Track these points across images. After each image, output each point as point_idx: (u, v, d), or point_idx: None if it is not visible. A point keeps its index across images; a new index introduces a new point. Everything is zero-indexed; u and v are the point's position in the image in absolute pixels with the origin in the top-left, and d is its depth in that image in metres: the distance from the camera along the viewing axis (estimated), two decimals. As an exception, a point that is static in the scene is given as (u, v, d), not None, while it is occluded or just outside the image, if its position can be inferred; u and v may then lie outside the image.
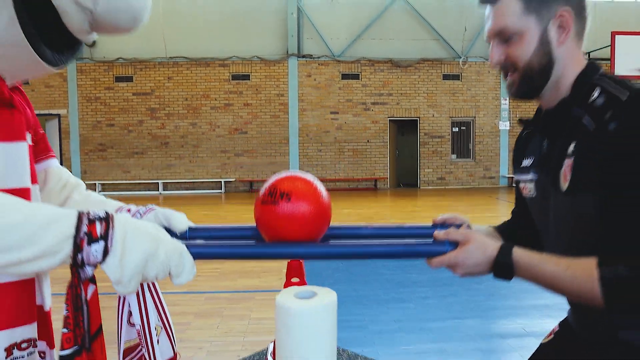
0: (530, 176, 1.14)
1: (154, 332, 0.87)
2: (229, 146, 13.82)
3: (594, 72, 1.03)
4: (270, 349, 1.15)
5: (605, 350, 1.01)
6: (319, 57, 13.96)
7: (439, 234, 0.98)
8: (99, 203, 1.11)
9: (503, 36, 1.04)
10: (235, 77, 13.77)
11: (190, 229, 1.03)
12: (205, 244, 0.95)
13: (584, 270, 0.91)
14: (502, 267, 0.95)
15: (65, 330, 0.78)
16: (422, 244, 0.98)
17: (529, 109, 14.30)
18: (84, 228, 0.76)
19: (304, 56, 13.92)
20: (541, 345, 1.22)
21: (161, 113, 13.60)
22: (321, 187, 0.98)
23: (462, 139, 14.76)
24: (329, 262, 5.19)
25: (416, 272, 4.97)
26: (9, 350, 0.81)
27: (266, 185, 0.97)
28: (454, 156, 14.69)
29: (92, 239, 0.76)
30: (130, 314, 0.88)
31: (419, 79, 14.20)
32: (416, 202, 11.16)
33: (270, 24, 13.89)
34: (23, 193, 0.86)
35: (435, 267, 0.95)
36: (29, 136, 0.90)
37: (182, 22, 13.49)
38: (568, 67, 1.04)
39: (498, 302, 3.98)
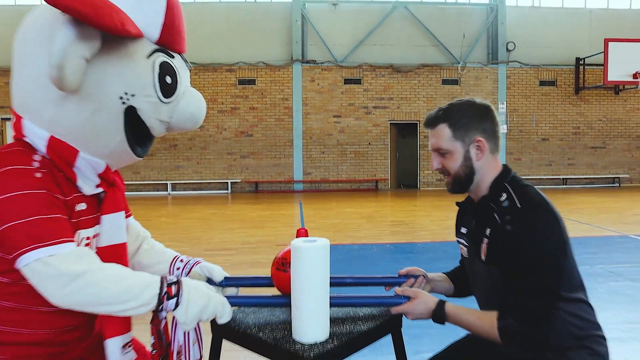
0: (465, 242, 1.56)
1: (191, 344, 1.29)
2: (235, 148, 14.16)
3: (506, 177, 1.45)
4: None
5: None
6: (322, 63, 14.24)
7: (398, 290, 1.45)
8: (160, 253, 1.57)
9: (439, 152, 1.47)
10: (241, 82, 14.09)
11: (225, 278, 1.51)
12: (238, 295, 1.43)
13: (489, 321, 1.36)
14: (438, 317, 1.41)
15: (154, 351, 1.28)
16: (387, 297, 1.45)
17: (524, 113, 14.67)
18: (165, 289, 1.20)
19: (307, 62, 14.20)
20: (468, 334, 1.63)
21: (170, 116, 14.03)
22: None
23: (461, 142, 15.03)
24: (333, 255, 5.71)
25: (409, 263, 5.41)
26: (123, 347, 1.29)
27: (279, 254, 1.44)
28: (452, 158, 14.96)
29: (169, 297, 1.20)
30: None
31: (419, 84, 14.45)
32: (415, 202, 11.54)
33: (275, 31, 14.20)
34: (123, 246, 1.33)
35: (394, 313, 1.43)
36: None
37: (191, 30, 13.66)
38: (486, 174, 1.45)
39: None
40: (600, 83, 13.89)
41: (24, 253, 1.10)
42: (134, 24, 1.19)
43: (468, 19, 14.44)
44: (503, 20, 14.36)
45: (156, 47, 1.28)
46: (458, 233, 1.61)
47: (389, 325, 1.43)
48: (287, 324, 1.36)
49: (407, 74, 14.35)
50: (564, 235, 1.36)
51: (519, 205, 1.36)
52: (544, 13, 14.73)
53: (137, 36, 1.21)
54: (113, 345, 1.27)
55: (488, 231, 1.41)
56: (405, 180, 15.02)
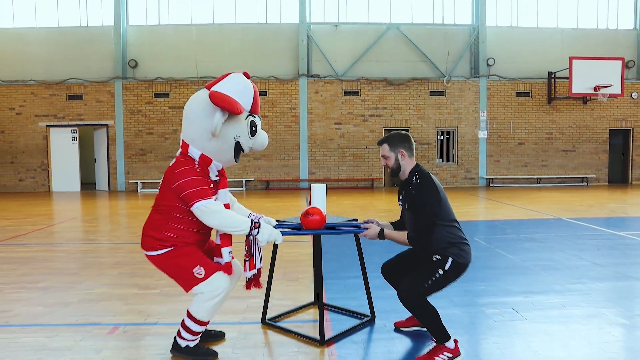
0: (401, 204, 3.19)
1: (257, 258, 2.93)
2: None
3: (416, 169, 2.98)
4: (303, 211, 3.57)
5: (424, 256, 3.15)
6: (325, 77, 15.77)
7: (362, 225, 3.18)
8: (242, 209, 3.15)
9: (384, 157, 3.14)
10: (254, 94, 15.85)
11: (277, 223, 3.14)
12: (284, 230, 3.10)
13: (404, 235, 2.99)
14: (381, 235, 2.96)
15: (246, 252, 2.89)
16: (356, 227, 3.22)
17: (503, 121, 16.40)
18: (252, 224, 2.73)
19: (312, 76, 15.74)
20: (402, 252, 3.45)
21: (192, 123, 15.73)
22: (324, 211, 3.17)
23: (446, 146, 16.33)
24: (342, 247, 7.52)
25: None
26: (229, 252, 2.95)
27: (304, 210, 3.18)
28: (439, 160, 16.24)
29: (255, 227, 2.73)
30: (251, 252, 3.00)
31: (410, 95, 15.88)
32: (404, 198, 13.36)
33: (283, 49, 15.77)
34: (227, 205, 2.97)
35: (361, 236, 3.14)
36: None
37: (211, 48, 15.48)
38: (406, 168, 3.01)
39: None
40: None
41: (195, 203, 2.56)
42: (242, 107, 2.80)
43: (453, 38, 16.09)
44: (484, 39, 16.05)
45: (248, 113, 2.85)
46: (398, 200, 3.17)
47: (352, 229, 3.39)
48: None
49: (399, 86, 15.84)
50: (440, 195, 2.88)
51: (419, 182, 2.91)
52: (521, 32, 16.42)
53: (243, 112, 2.84)
54: (225, 251, 2.87)
55: (409, 196, 3.00)
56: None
